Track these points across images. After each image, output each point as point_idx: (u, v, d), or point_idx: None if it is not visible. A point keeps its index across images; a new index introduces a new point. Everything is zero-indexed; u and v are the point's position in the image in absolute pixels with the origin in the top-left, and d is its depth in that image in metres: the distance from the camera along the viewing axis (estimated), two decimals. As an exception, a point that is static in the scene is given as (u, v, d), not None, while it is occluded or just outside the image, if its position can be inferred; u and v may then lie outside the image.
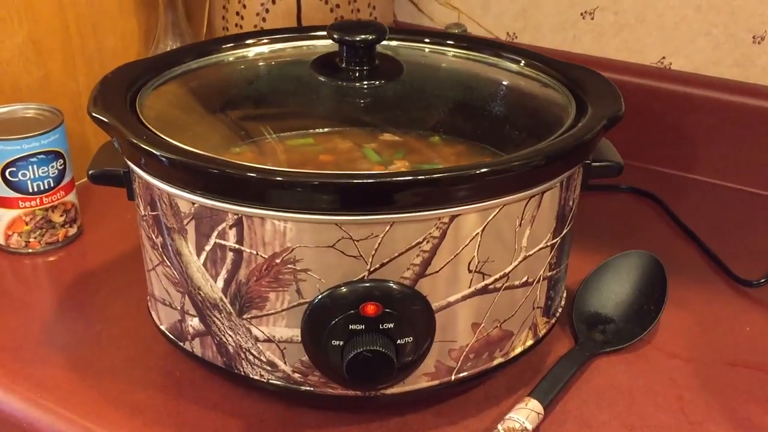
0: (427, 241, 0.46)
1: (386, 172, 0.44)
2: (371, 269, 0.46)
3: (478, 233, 0.47)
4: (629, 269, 0.65)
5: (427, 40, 0.62)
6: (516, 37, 0.93)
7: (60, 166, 0.69)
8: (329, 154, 0.59)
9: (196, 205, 0.47)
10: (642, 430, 0.53)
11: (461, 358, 0.51)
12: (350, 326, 0.47)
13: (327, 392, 0.50)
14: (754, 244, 0.74)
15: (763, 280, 0.68)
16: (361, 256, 0.46)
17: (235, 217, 0.46)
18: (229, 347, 0.51)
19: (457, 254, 0.47)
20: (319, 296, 0.47)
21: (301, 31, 0.64)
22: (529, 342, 0.55)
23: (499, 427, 0.51)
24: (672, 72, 0.86)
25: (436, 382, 0.51)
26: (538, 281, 0.52)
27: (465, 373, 0.52)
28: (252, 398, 0.54)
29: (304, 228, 0.45)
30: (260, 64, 0.63)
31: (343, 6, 0.79)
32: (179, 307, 0.52)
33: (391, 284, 0.46)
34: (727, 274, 0.69)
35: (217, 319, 0.50)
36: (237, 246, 0.47)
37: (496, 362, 0.53)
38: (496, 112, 0.59)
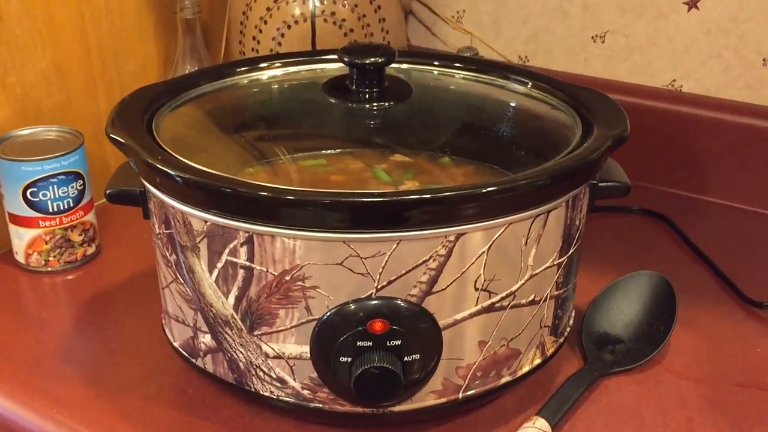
0: (434, 259, 0.47)
1: (393, 191, 0.45)
2: (379, 286, 0.47)
3: (484, 251, 0.48)
4: (639, 289, 0.65)
5: (436, 63, 0.64)
6: (528, 61, 0.94)
7: (80, 186, 0.71)
8: (340, 175, 0.60)
9: (208, 223, 0.48)
10: (650, 450, 0.53)
11: (468, 376, 0.51)
12: (358, 343, 0.47)
13: (336, 409, 0.51)
14: (765, 265, 0.74)
15: (774, 302, 0.68)
16: (368, 273, 0.46)
17: (246, 234, 0.47)
18: (240, 363, 0.52)
19: (464, 272, 0.48)
20: (328, 313, 0.48)
21: (313, 54, 0.66)
22: (537, 361, 0.55)
23: (507, 445, 0.51)
24: (683, 94, 0.86)
25: (444, 399, 0.51)
26: (545, 300, 0.53)
27: (472, 391, 0.52)
28: (262, 416, 0.55)
29: (313, 246, 0.46)
30: (273, 86, 0.64)
31: (357, 31, 0.80)
32: (192, 324, 0.53)
33: (399, 302, 0.47)
34: (738, 295, 0.69)
35: (228, 335, 0.51)
36: (248, 263, 0.48)
37: (503, 381, 0.53)
38: (504, 133, 0.60)
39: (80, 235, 0.72)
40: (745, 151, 0.83)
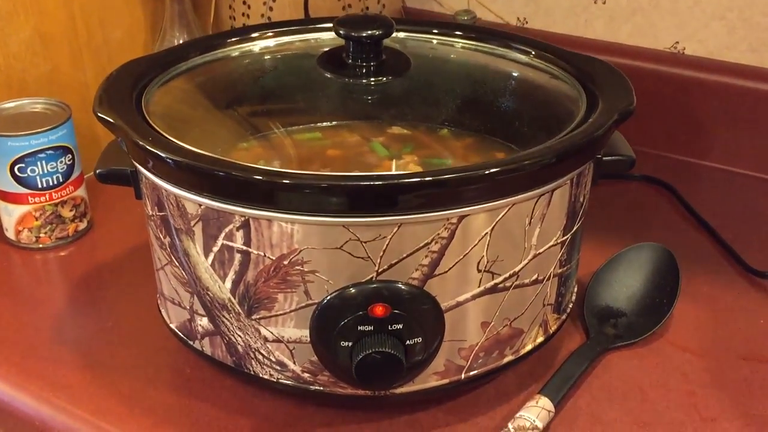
0: (436, 242, 0.45)
1: (394, 173, 0.44)
2: (379, 270, 0.46)
3: (487, 233, 0.46)
4: (641, 262, 0.64)
5: (435, 31, 0.61)
6: (527, 23, 0.91)
7: (69, 161, 0.69)
8: (337, 149, 0.58)
9: (202, 207, 0.46)
10: (654, 427, 0.53)
11: (471, 357, 0.50)
12: (359, 327, 0.46)
13: (337, 392, 0.50)
14: (766, 233, 0.73)
15: (777, 271, 0.67)
16: (369, 257, 0.45)
17: (242, 219, 0.45)
18: (239, 347, 0.51)
19: (466, 254, 0.46)
20: (328, 297, 0.46)
21: (307, 23, 0.63)
22: (540, 339, 0.54)
23: (510, 425, 0.50)
24: (685, 57, 0.85)
25: (446, 380, 0.51)
26: (548, 278, 0.52)
27: (475, 372, 0.51)
28: (262, 397, 0.54)
29: (312, 230, 0.45)
30: (266, 58, 0.62)
31: (351, -6, 0.78)
32: (188, 307, 0.52)
33: (400, 285, 0.46)
34: (741, 265, 0.68)
35: (226, 319, 0.50)
36: (244, 247, 0.46)
37: (506, 360, 0.52)
38: (505, 105, 0.58)
39: (71, 210, 0.71)
40: (749, 115, 0.81)
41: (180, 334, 0.55)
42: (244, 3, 0.81)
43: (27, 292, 0.66)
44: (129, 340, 0.60)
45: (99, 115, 0.49)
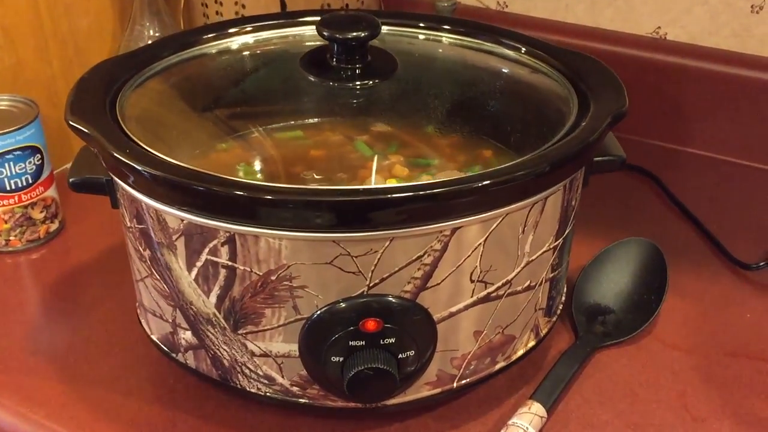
0: (428, 255, 0.44)
1: (384, 187, 0.42)
2: (371, 284, 0.44)
3: (480, 243, 0.45)
4: (628, 258, 0.63)
5: (421, 25, 0.59)
6: (507, 7, 0.89)
7: (38, 161, 0.66)
8: (320, 149, 0.56)
9: (185, 222, 0.44)
10: (645, 428, 0.53)
11: (463, 366, 0.50)
12: (350, 342, 0.45)
13: (326, 404, 0.49)
14: (753, 222, 0.73)
15: (762, 264, 0.67)
16: (360, 271, 0.44)
17: (227, 234, 0.44)
18: (225, 361, 0.49)
19: (459, 265, 0.45)
20: (317, 312, 0.45)
21: (286, 17, 0.61)
22: (531, 343, 0.53)
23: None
24: (667, 43, 0.83)
25: (438, 390, 0.50)
26: (540, 284, 0.51)
27: (467, 380, 0.51)
28: (248, 408, 0.53)
29: (300, 246, 0.43)
30: (245, 55, 0.60)
31: (328, -19, 0.76)
32: (171, 320, 0.50)
33: (392, 299, 0.45)
34: (727, 257, 0.68)
35: (211, 333, 0.48)
36: (230, 263, 0.45)
37: (498, 366, 0.52)
38: (495, 105, 0.57)
39: (41, 211, 0.68)
40: (732, 101, 0.81)
41: (162, 346, 0.53)
42: (217, -10, 0.78)
43: (5, 297, 0.64)
44: (108, 349, 0.58)
45: (72, 124, 0.47)
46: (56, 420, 0.53)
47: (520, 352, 0.53)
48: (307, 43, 0.57)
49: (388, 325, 0.45)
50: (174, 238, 0.46)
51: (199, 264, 0.46)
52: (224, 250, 0.44)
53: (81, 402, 0.54)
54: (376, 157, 0.54)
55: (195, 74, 0.58)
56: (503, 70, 0.58)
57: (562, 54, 0.56)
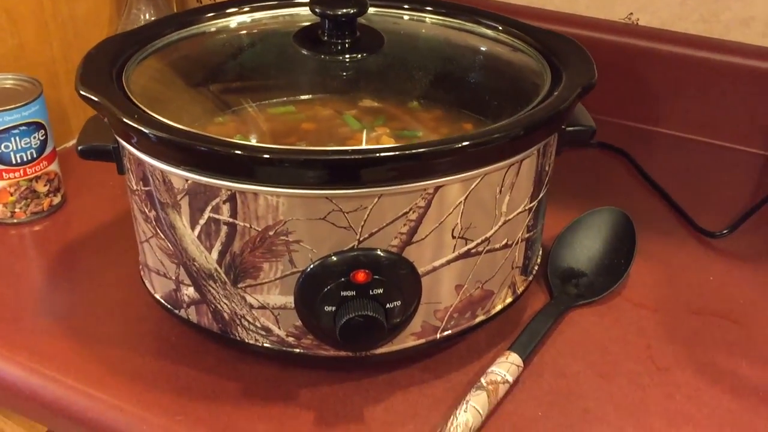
0: (414, 211, 0.48)
1: (374, 147, 0.46)
2: (361, 239, 0.48)
3: (461, 201, 0.49)
4: (600, 225, 0.68)
5: (406, 6, 0.63)
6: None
7: (42, 136, 0.70)
8: (311, 122, 0.60)
9: (189, 182, 0.48)
10: (614, 377, 0.57)
11: (446, 318, 0.54)
12: (342, 293, 0.49)
13: (320, 354, 0.53)
14: (717, 196, 0.78)
15: (725, 231, 0.71)
16: (351, 226, 0.48)
17: (229, 192, 0.47)
18: (225, 314, 0.53)
19: (442, 222, 0.49)
20: (311, 265, 0.49)
21: None
22: (509, 299, 0.58)
23: (482, 380, 0.54)
24: (639, 28, 0.88)
25: (423, 340, 0.54)
26: (517, 243, 0.55)
27: (449, 332, 0.55)
28: (246, 361, 0.57)
29: (296, 202, 0.47)
30: (243, 34, 0.64)
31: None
32: (174, 277, 0.54)
33: (380, 252, 0.49)
34: (692, 226, 0.73)
35: (212, 288, 0.52)
36: (231, 220, 0.48)
37: (478, 320, 0.56)
38: (475, 79, 0.61)
39: (45, 185, 0.71)
40: (699, 83, 0.85)
41: (165, 303, 0.57)
42: (210, -24, 0.82)
43: (6, 266, 0.67)
44: (111, 310, 0.62)
45: (82, 93, 0.51)
46: (65, 374, 0.56)
47: (499, 307, 0.57)
48: (299, 23, 0.60)
49: (377, 277, 0.49)
50: (179, 197, 0.49)
51: (202, 221, 0.49)
52: (226, 208, 0.48)
53: (88, 357, 0.58)
54: (365, 130, 0.58)
55: (194, 51, 0.61)
56: (482, 47, 0.62)
57: (536, 32, 0.60)
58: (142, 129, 0.47)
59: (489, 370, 0.55)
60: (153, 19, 0.82)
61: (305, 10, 0.62)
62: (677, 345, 0.60)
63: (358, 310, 0.49)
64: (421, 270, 0.50)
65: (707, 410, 0.54)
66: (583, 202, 0.71)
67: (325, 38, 0.57)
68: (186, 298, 0.54)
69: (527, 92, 0.55)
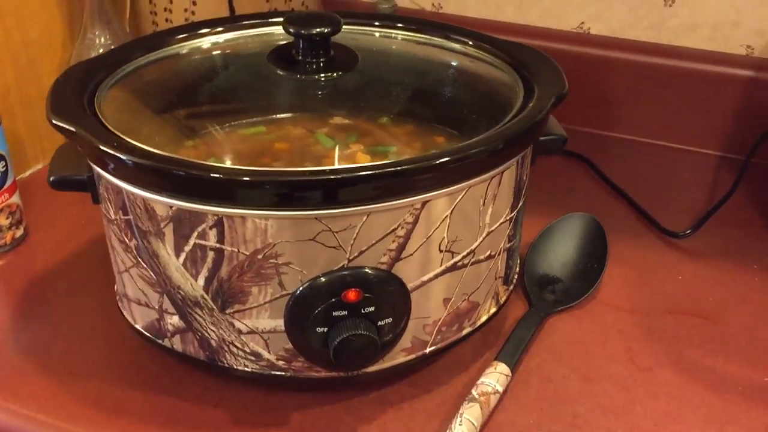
0: (402, 227, 0.48)
1: (362, 165, 0.46)
2: (350, 258, 0.48)
3: (447, 215, 0.50)
4: (572, 231, 0.69)
5: (377, 23, 0.64)
6: (441, 8, 0.95)
7: (2, 168, 0.68)
8: (283, 142, 0.60)
9: (173, 209, 0.47)
10: (598, 380, 0.58)
11: (435, 332, 0.54)
12: (333, 313, 0.49)
13: (311, 376, 0.52)
14: (676, 197, 0.80)
15: (688, 231, 0.73)
16: (340, 246, 0.48)
17: (215, 217, 0.47)
18: (212, 342, 0.52)
19: (429, 237, 0.50)
20: (302, 287, 0.49)
21: (253, 18, 0.64)
22: (493, 309, 0.58)
23: (473, 392, 0.54)
24: (591, 36, 0.90)
25: (413, 356, 0.54)
26: (499, 253, 0.56)
27: (438, 345, 0.55)
28: (233, 387, 0.56)
29: (285, 224, 0.47)
30: (213, 55, 0.63)
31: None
32: (157, 307, 0.53)
33: (370, 270, 0.49)
34: (657, 227, 0.75)
35: (199, 315, 0.51)
36: (218, 245, 0.48)
37: (465, 332, 0.56)
38: (448, 93, 0.62)
39: (8, 218, 0.69)
40: (650, 88, 0.88)
41: (147, 334, 0.55)
42: (166, -3, 0.81)
43: (-28, 304, 0.65)
44: (87, 343, 0.60)
45: (55, 123, 0.49)
46: (46, 412, 0.54)
47: (484, 318, 0.57)
48: (271, 43, 0.60)
49: (368, 295, 0.49)
50: (162, 225, 0.48)
51: (187, 248, 0.49)
52: (212, 233, 0.47)
53: (68, 393, 0.56)
54: (337, 147, 0.58)
55: (164, 74, 0.60)
56: (454, 62, 0.63)
57: (505, 45, 0.61)
58: (123, 157, 0.46)
59: (479, 381, 0.55)
60: (109, 43, 0.80)
61: (273, 30, 0.62)
62: (655, 345, 0.61)
63: (351, 330, 0.48)
64: (410, 285, 0.51)
65: (691, 408, 0.56)
66: (552, 210, 0.72)
67: (300, 58, 0.56)
68: (170, 327, 0.53)
69: (501, 105, 0.56)
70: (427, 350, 0.54)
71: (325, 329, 0.49)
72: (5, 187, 0.68)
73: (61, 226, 0.74)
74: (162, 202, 0.47)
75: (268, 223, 0.46)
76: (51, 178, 0.53)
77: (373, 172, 0.45)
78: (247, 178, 0.44)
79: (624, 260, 0.70)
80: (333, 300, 0.49)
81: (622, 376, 0.58)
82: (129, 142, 0.48)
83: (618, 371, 0.59)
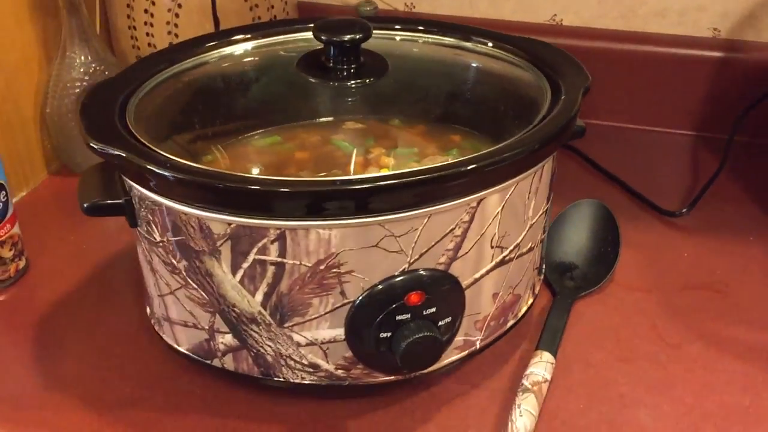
0: (459, 227, 0.49)
1: (426, 168, 0.46)
2: (411, 261, 0.48)
3: (498, 211, 0.50)
4: (582, 218, 0.71)
5: (397, 27, 0.64)
6: (414, 7, 0.95)
7: (3, 198, 0.65)
8: (302, 151, 0.59)
9: (233, 226, 0.47)
10: (635, 360, 0.60)
11: (484, 327, 0.55)
12: (397, 317, 0.49)
13: (369, 382, 0.52)
14: (661, 178, 0.83)
15: (684, 210, 0.76)
16: (402, 250, 0.48)
17: (278, 231, 0.46)
18: (268, 357, 0.51)
19: (483, 234, 0.50)
20: (364, 294, 0.48)
21: (279, 25, 0.64)
22: (530, 300, 0.59)
23: (525, 382, 0.55)
24: (564, 27, 0.93)
25: (465, 353, 0.55)
26: (537, 245, 0.57)
27: (487, 341, 0.56)
28: (281, 402, 0.55)
29: (349, 233, 0.46)
30: (244, 64, 0.62)
31: (258, -5, 0.79)
32: (207, 327, 0.52)
33: (430, 272, 0.49)
34: (654, 208, 0.77)
35: (255, 332, 0.50)
36: (279, 259, 0.47)
37: (509, 325, 0.57)
38: (475, 94, 0.62)
39: (11, 249, 0.66)
40: (624, 74, 0.91)
41: (193, 356, 0.54)
42: (146, 11, 0.79)
43: (-13, 342, 0.62)
44: (122, 371, 0.59)
45: (99, 149, 0.47)
46: (94, 446, 0.53)
47: (524, 309, 0.59)
48: (294, 51, 0.60)
49: (429, 297, 0.49)
50: (218, 243, 0.48)
51: (245, 265, 0.48)
52: (274, 248, 0.47)
53: (112, 425, 0.54)
54: (388, 151, 0.58)
55: (188, 88, 0.59)
56: (478, 63, 0.63)
57: (523, 43, 0.62)
58: (183, 178, 0.45)
59: (527, 371, 0.56)
60: (89, 60, 0.78)
61: (306, 36, 0.61)
62: (678, 321, 0.64)
63: (417, 333, 0.49)
64: (464, 284, 0.51)
65: (726, 378, 0.58)
66: (555, 199, 0.74)
67: (330, 65, 0.56)
68: (221, 347, 0.52)
69: (531, 103, 0.57)
70: (478, 346, 0.55)
71: (389, 334, 0.49)
72: (7, 218, 0.65)
73: (60, 254, 0.71)
74: (219, 220, 0.47)
75: (331, 233, 0.46)
76: (84, 205, 0.51)
77: (440, 173, 0.45)
78: (318, 189, 0.44)
79: (629, 242, 0.72)
80: (396, 304, 0.49)
81: (656, 354, 0.60)
82: (181, 162, 0.47)
83: (650, 350, 0.61)
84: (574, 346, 0.61)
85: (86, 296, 0.67)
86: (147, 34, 0.80)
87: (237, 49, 0.62)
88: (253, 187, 0.44)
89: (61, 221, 0.76)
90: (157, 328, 0.57)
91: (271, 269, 0.48)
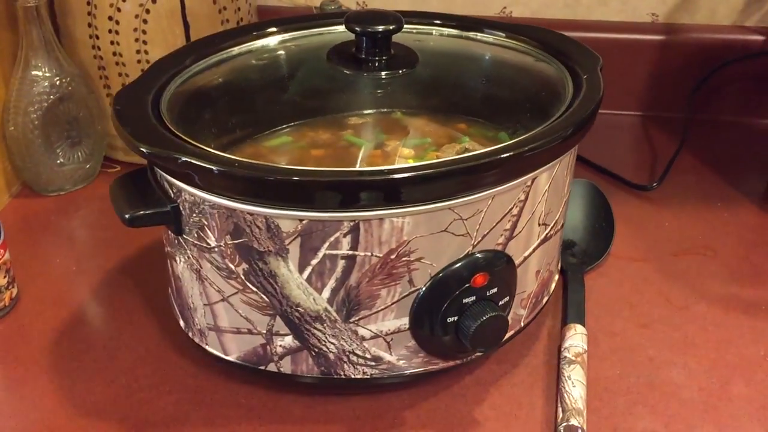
0: (516, 206, 0.50)
1: (491, 149, 0.47)
2: (475, 243, 0.49)
3: (546, 189, 0.52)
4: (574, 197, 0.74)
5: (415, 20, 0.64)
6: (366, 5, 0.96)
7: (-5, 221, 0.60)
8: (316, 149, 0.59)
9: (304, 222, 0.46)
10: (653, 325, 0.63)
11: (528, 305, 0.56)
12: (463, 300, 0.50)
13: (429, 369, 0.53)
14: (623, 155, 0.88)
15: (655, 184, 0.81)
16: (467, 233, 0.48)
17: (352, 223, 0.46)
18: (330, 355, 0.51)
19: (534, 212, 0.52)
20: (431, 280, 0.49)
21: (311, 19, 0.63)
22: (556, 276, 0.61)
23: (568, 354, 0.57)
24: (514, 19, 0.96)
25: (513, 331, 0.56)
26: (564, 222, 0.59)
27: (530, 318, 0.57)
28: (334, 401, 0.55)
29: (421, 219, 0.47)
30: (275, 57, 0.62)
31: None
32: (265, 331, 0.50)
33: (492, 252, 0.50)
34: (626, 183, 0.82)
35: (318, 330, 0.50)
36: (350, 252, 0.47)
37: (545, 301, 0.59)
38: (501, 84, 0.63)
39: (4, 277, 0.62)
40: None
41: (245, 363, 0.53)
42: (111, 18, 0.75)
43: (8, 376, 0.57)
44: (159, 390, 0.56)
45: (154, 154, 0.45)
46: (151, 469, 0.50)
47: (553, 286, 0.61)
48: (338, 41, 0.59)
49: (491, 277, 0.50)
50: (287, 242, 0.46)
51: (314, 261, 0.47)
52: (346, 240, 0.46)
53: (168, 444, 0.52)
54: (402, 142, 0.58)
55: (221, 81, 0.58)
56: (496, 54, 0.64)
57: (532, 32, 0.63)
58: (256, 176, 0.44)
59: (566, 344, 0.58)
60: (55, 73, 0.74)
61: (338, 29, 0.61)
62: (680, 285, 0.68)
63: (484, 313, 0.49)
64: (516, 262, 0.52)
65: (737, 332, 0.63)
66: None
67: (362, 56, 0.56)
68: (279, 350, 0.51)
69: (559, 94, 0.58)
70: (522, 323, 0.57)
71: (455, 318, 0.50)
72: (-1, 242, 0.61)
73: (50, 278, 0.67)
74: (290, 217, 0.46)
75: (404, 220, 0.46)
76: (126, 216, 0.49)
77: (509, 153, 0.46)
78: (400, 176, 0.44)
79: (615, 216, 0.76)
80: (462, 287, 0.49)
81: (669, 317, 0.64)
82: (253, 162, 0.45)
83: (663, 313, 0.64)
84: (595, 318, 0.64)
85: (92, 319, 0.63)
86: (112, 42, 0.76)
87: (253, 46, 0.60)
88: (334, 179, 0.44)
89: (40, 245, 0.71)
90: (197, 339, 0.54)
91: (341, 263, 0.47)
